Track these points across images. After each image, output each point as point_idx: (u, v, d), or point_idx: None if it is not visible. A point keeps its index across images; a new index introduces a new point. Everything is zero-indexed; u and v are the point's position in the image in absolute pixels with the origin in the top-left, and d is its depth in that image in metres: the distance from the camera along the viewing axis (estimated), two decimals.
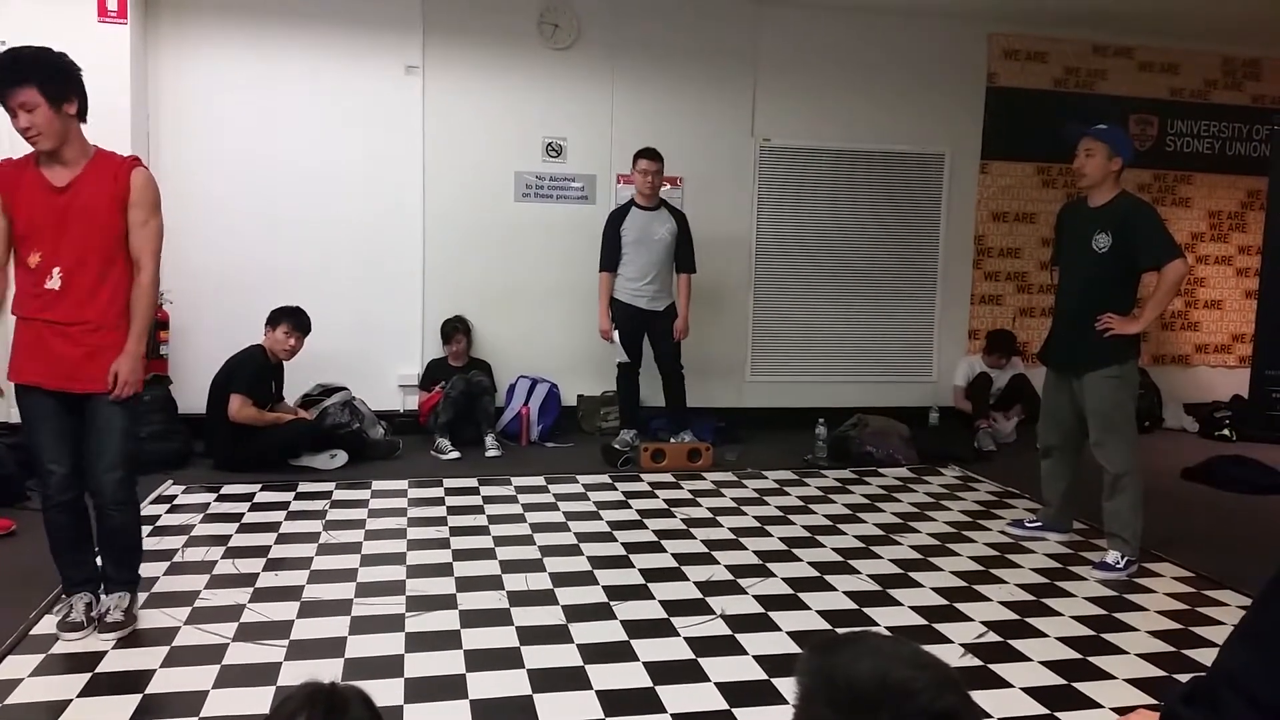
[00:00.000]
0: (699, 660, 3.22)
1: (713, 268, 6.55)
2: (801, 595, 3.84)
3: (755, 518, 4.89)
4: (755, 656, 3.27)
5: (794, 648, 3.34)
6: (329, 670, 3.02)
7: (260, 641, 3.27)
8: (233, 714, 2.80)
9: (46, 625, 3.30)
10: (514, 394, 6.54)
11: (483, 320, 6.61)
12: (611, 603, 3.70)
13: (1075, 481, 4.62)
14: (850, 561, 4.26)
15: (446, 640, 3.32)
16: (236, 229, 6.20)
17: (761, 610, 3.67)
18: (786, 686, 2.98)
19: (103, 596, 3.32)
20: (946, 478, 5.85)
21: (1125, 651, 3.41)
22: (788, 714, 1.11)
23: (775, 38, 6.91)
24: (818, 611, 3.69)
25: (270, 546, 4.23)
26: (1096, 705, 3.00)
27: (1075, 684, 3.14)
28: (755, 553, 4.34)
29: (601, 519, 4.80)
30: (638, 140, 6.64)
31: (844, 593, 3.89)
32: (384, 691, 2.89)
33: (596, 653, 3.25)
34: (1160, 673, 3.24)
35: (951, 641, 3.44)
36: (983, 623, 3.62)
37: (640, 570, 4.07)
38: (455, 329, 6.37)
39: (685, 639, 3.39)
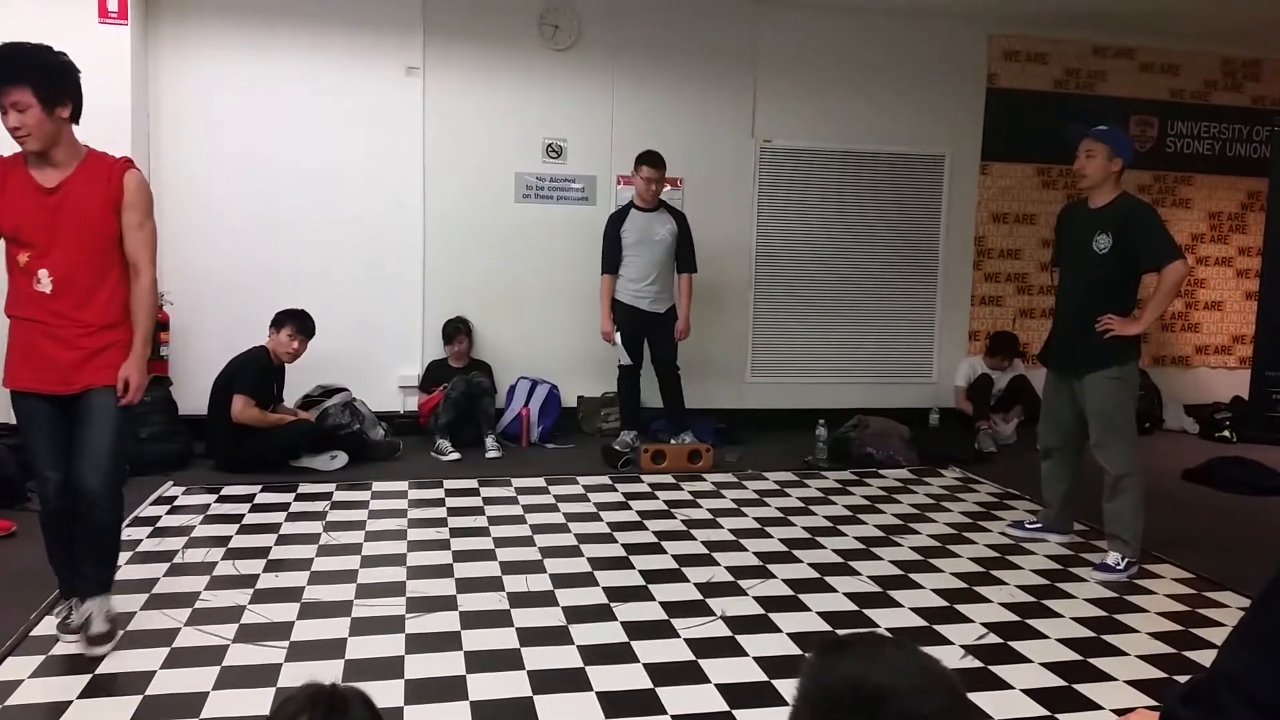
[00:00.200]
0: (699, 662, 3.22)
1: (713, 268, 6.55)
2: (802, 597, 3.84)
3: (755, 519, 4.89)
4: (755, 658, 3.27)
5: (794, 649, 3.34)
6: (329, 672, 3.02)
7: (260, 643, 3.27)
8: (233, 715, 2.80)
9: (46, 627, 3.30)
10: (514, 395, 6.54)
11: (483, 321, 6.62)
12: (612, 604, 3.70)
13: (1076, 483, 4.61)
14: (851, 563, 4.26)
15: (447, 641, 3.32)
16: (237, 230, 6.20)
17: (762, 611, 3.67)
18: (787, 688, 2.98)
19: (80, 602, 3.16)
20: (947, 479, 5.85)
21: (1126, 653, 3.41)
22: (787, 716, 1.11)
23: (776, 39, 6.92)
24: (818, 613, 3.68)
25: (270, 548, 4.23)
26: (1097, 707, 3.00)
27: (1075, 685, 3.14)
28: (755, 554, 4.34)
29: (602, 520, 4.80)
30: (638, 141, 6.65)
31: (844, 594, 3.89)
32: (384, 693, 2.89)
33: (597, 654, 3.25)
34: (1160, 674, 3.24)
35: (952, 643, 3.44)
36: (983, 624, 3.62)
37: (640, 571, 4.07)
38: (457, 329, 6.37)
39: (685, 640, 3.39)
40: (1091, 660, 3.34)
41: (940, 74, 7.19)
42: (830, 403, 6.93)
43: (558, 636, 3.39)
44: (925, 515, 5.05)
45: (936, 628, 3.57)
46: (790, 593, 3.88)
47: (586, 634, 3.41)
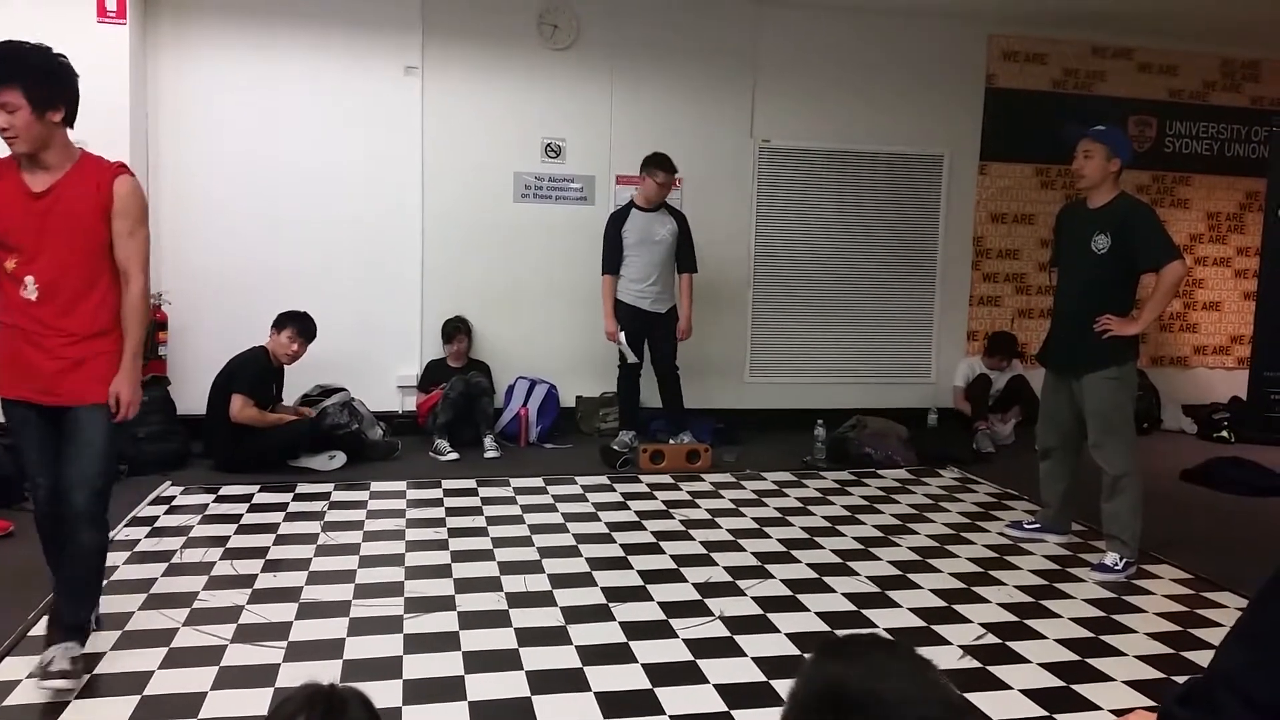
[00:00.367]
0: (698, 662, 3.22)
1: (712, 268, 6.54)
2: (800, 597, 3.84)
3: (754, 519, 4.89)
4: (754, 658, 3.27)
5: (793, 649, 3.34)
6: (327, 672, 3.02)
7: (259, 643, 3.27)
8: (231, 716, 2.80)
9: (44, 626, 3.29)
10: (513, 395, 6.54)
11: (481, 321, 6.61)
12: (610, 604, 3.70)
13: (1074, 483, 4.62)
14: (849, 563, 4.26)
15: (445, 642, 3.32)
16: (236, 229, 6.20)
17: (760, 612, 3.67)
18: (785, 688, 2.97)
19: (50, 645, 2.93)
20: (945, 479, 5.85)
21: (1124, 653, 3.41)
22: None
23: (775, 39, 6.92)
24: (816, 613, 3.68)
25: (269, 548, 4.23)
26: (1095, 707, 3.00)
27: (1074, 686, 3.14)
28: (754, 554, 4.34)
29: (600, 520, 4.80)
30: (637, 141, 6.66)
31: (843, 594, 3.89)
32: (383, 693, 2.89)
33: (595, 654, 3.25)
34: (1159, 674, 3.24)
35: (950, 643, 3.44)
36: (981, 624, 3.62)
37: (639, 571, 4.07)
38: (457, 329, 6.37)
39: (684, 640, 3.39)
40: (1090, 660, 3.34)
41: (939, 74, 7.19)
42: (828, 403, 6.94)
43: (556, 637, 3.39)
44: (923, 515, 5.06)
45: (935, 628, 3.57)
46: (789, 593, 3.88)
47: (585, 634, 3.41)
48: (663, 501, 5.16)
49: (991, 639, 3.49)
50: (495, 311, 6.67)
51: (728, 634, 3.46)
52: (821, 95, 7.03)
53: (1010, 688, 3.11)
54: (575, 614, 3.59)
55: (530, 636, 3.38)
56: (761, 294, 7.11)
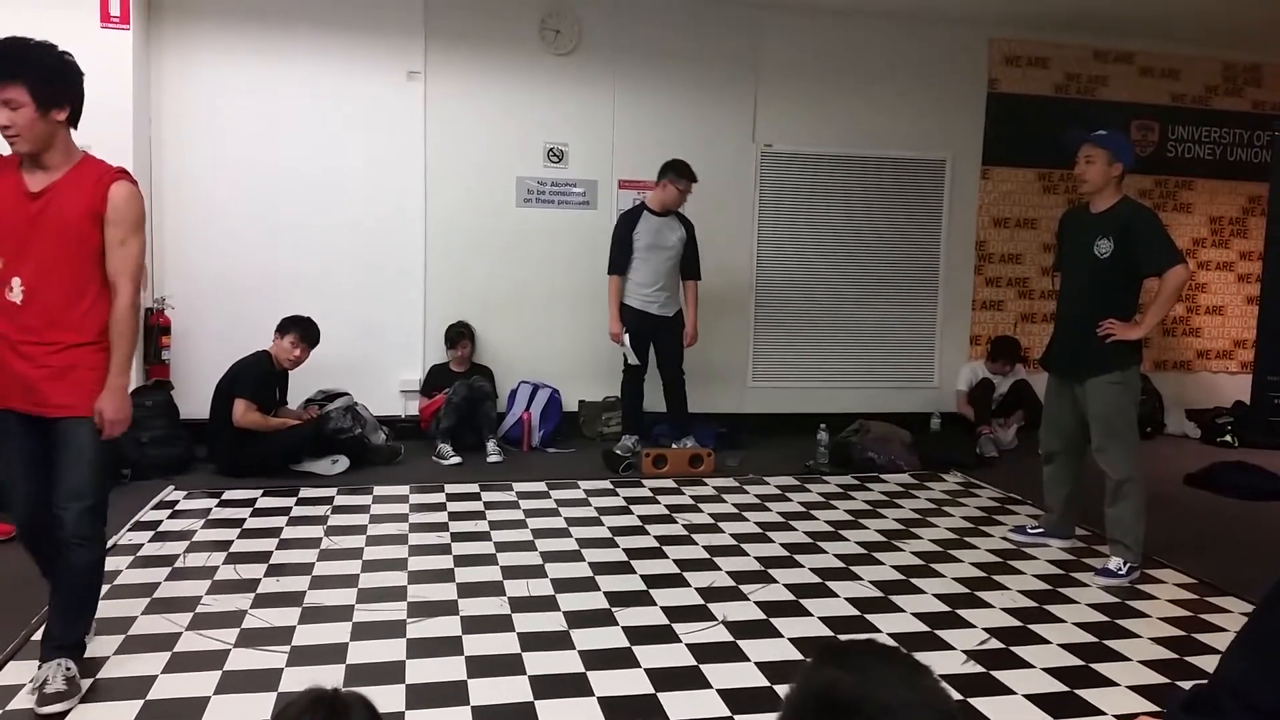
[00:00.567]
0: (700, 667, 3.22)
1: (714, 272, 6.54)
2: (803, 601, 3.84)
3: (757, 523, 4.88)
4: (757, 663, 3.26)
5: (796, 654, 3.34)
6: (330, 676, 3.01)
7: (262, 647, 3.27)
8: None
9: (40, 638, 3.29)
10: (515, 399, 6.54)
11: (484, 325, 6.62)
12: (613, 609, 3.70)
13: (1077, 488, 4.61)
14: (852, 568, 4.26)
15: (448, 646, 3.32)
16: (239, 234, 6.21)
17: (763, 616, 3.67)
18: None
19: (44, 663, 2.88)
20: (948, 484, 5.84)
21: (1128, 658, 3.41)
22: None
23: (776, 43, 6.93)
24: (820, 618, 3.68)
25: (272, 552, 4.23)
26: (1099, 712, 3.00)
27: (1078, 691, 3.13)
28: (757, 559, 4.34)
29: (603, 525, 4.80)
30: (639, 146, 6.67)
31: (846, 599, 3.88)
32: (385, 697, 2.88)
33: (598, 659, 3.25)
34: (1163, 679, 3.24)
35: (954, 648, 3.43)
36: (985, 629, 3.61)
37: (642, 576, 4.07)
38: (461, 333, 6.38)
39: (687, 645, 3.39)
40: (1094, 665, 3.33)
41: (941, 78, 7.20)
42: (831, 407, 6.94)
43: (559, 641, 3.39)
44: (927, 520, 5.05)
45: (938, 633, 3.57)
46: (792, 598, 3.88)
47: (588, 639, 3.41)
48: (665, 506, 5.16)
49: (995, 644, 3.49)
50: (498, 316, 6.67)
51: (731, 639, 3.46)
52: (824, 100, 7.04)
53: (1014, 693, 3.11)
54: (578, 619, 3.59)
55: (533, 641, 3.38)
56: (764, 298, 7.11)
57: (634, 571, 4.13)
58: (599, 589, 3.91)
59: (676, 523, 4.86)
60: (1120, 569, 4.19)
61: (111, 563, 3.92)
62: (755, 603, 3.81)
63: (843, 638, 3.34)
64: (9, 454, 2.93)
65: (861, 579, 4.12)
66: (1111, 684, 3.20)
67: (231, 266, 6.19)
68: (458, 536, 4.52)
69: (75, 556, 2.89)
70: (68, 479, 2.87)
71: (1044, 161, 7.39)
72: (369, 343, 6.43)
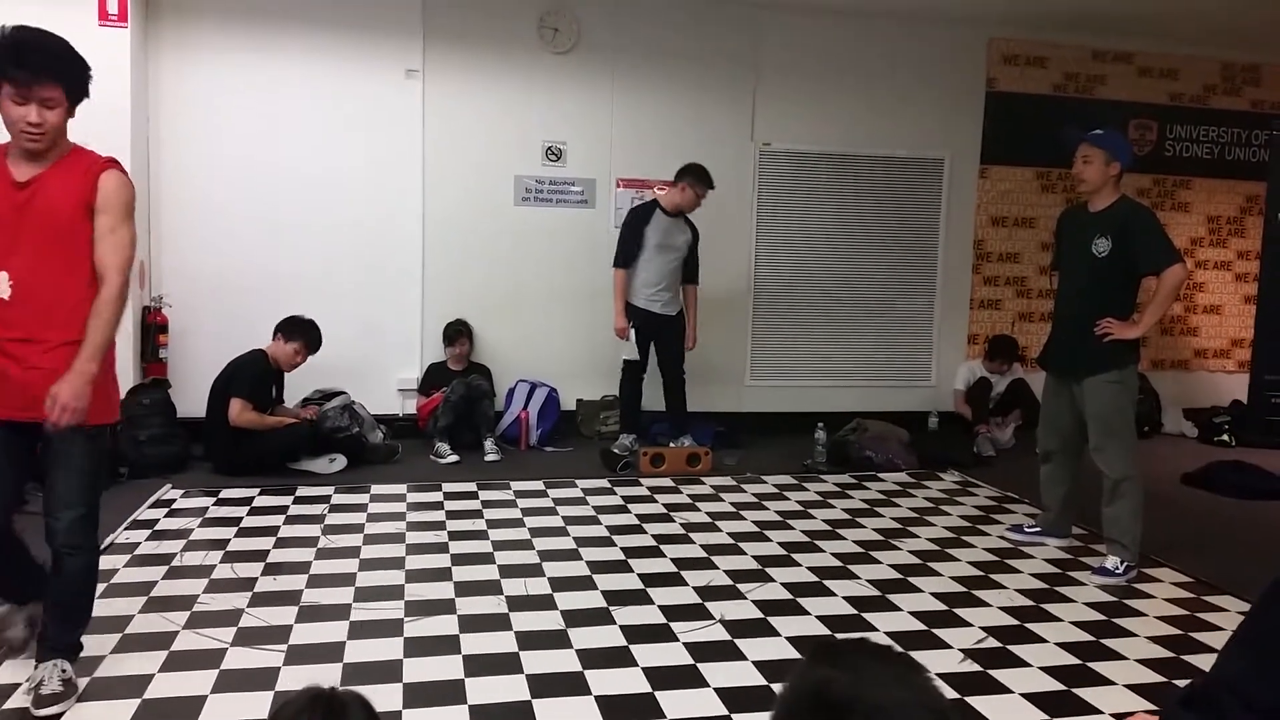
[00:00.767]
0: (698, 665, 3.22)
1: (713, 271, 6.54)
2: (801, 600, 3.84)
3: (754, 522, 4.89)
4: (754, 662, 3.26)
5: (793, 653, 3.34)
6: (328, 675, 3.02)
7: (259, 646, 3.27)
8: (232, 719, 2.79)
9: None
10: (513, 398, 6.54)
11: (482, 324, 6.61)
12: (611, 608, 3.70)
13: (1075, 487, 4.61)
14: (849, 566, 4.26)
15: (445, 645, 3.32)
16: (236, 233, 6.20)
17: (761, 615, 3.67)
18: None
19: (39, 665, 2.87)
20: (946, 483, 5.85)
21: (1125, 657, 3.41)
22: None
23: (775, 42, 6.92)
24: (817, 617, 3.68)
25: (269, 551, 4.23)
26: (1096, 711, 3.00)
27: (1075, 689, 3.14)
28: (754, 558, 4.34)
29: (600, 523, 4.80)
30: (638, 144, 6.68)
31: (843, 598, 3.88)
32: (383, 697, 2.88)
33: (596, 658, 3.25)
34: (1160, 678, 3.24)
35: (951, 647, 3.43)
36: (982, 628, 3.61)
37: (639, 575, 4.07)
38: (459, 332, 6.38)
39: (684, 644, 3.39)
40: (1091, 664, 3.33)
41: (939, 77, 7.20)
42: (829, 406, 6.94)
43: (556, 640, 3.39)
44: (924, 519, 5.05)
45: (935, 632, 3.57)
46: (789, 596, 3.88)
47: (585, 637, 3.41)
48: (663, 505, 5.16)
49: (992, 643, 3.49)
50: (496, 314, 6.67)
51: (728, 637, 3.46)
52: (822, 99, 7.04)
53: (1011, 691, 3.11)
54: (576, 617, 3.59)
55: (531, 640, 3.38)
56: (762, 297, 7.11)
57: (631, 570, 4.13)
58: (596, 588, 3.91)
59: (674, 521, 4.86)
60: (1117, 568, 4.19)
61: (108, 561, 3.94)
62: (753, 601, 3.81)
63: (839, 637, 3.36)
64: None
65: (859, 578, 4.12)
66: (1109, 682, 3.20)
67: (229, 265, 6.18)
68: (455, 535, 4.52)
69: (68, 564, 2.85)
70: (58, 487, 2.80)
71: (1042, 161, 7.39)
72: (367, 341, 6.43)
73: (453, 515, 4.84)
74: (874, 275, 7.26)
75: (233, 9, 6.12)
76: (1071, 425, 4.45)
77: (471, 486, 5.36)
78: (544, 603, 3.73)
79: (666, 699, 2.98)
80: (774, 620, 3.63)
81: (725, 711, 2.92)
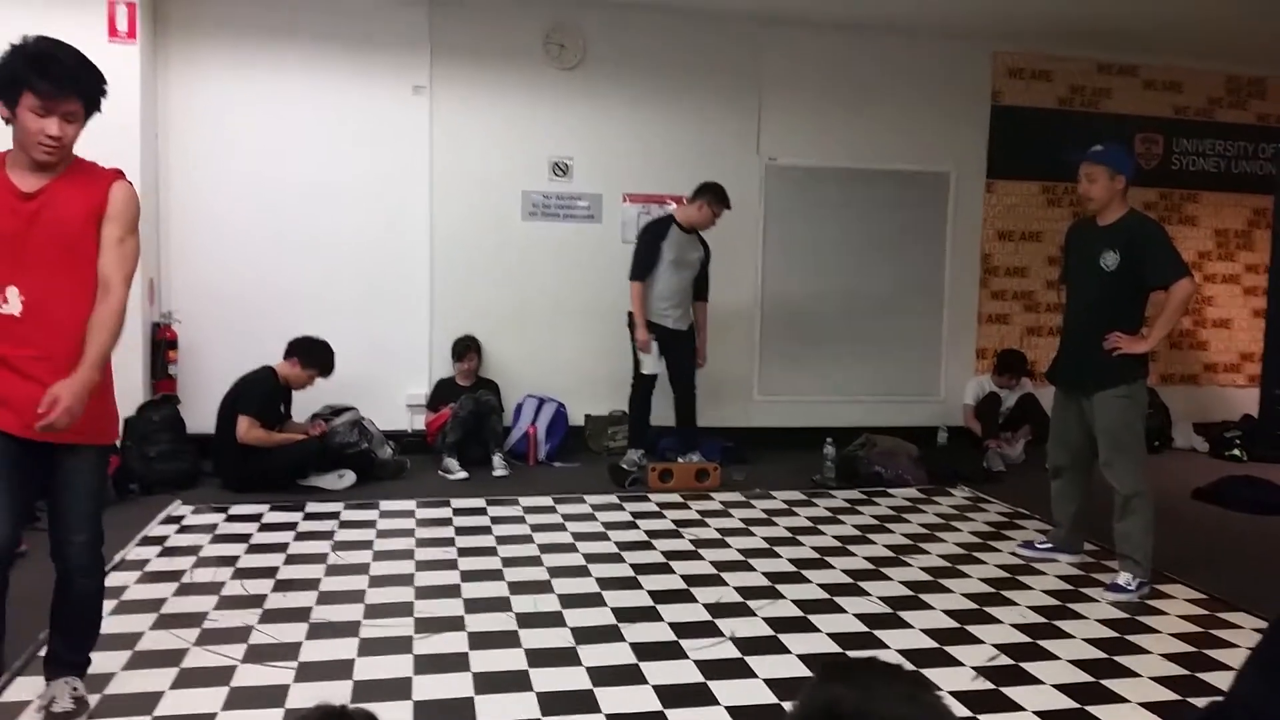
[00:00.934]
0: (708, 683, 3.20)
1: (720, 285, 6.53)
2: (811, 617, 3.82)
3: (764, 538, 4.87)
4: (765, 679, 3.25)
5: (804, 671, 3.33)
6: (337, 692, 3.01)
7: (269, 663, 3.27)
8: None
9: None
10: (521, 413, 6.54)
11: (490, 339, 6.62)
12: (620, 624, 3.69)
13: (1085, 502, 4.59)
14: (860, 583, 4.24)
15: (455, 662, 3.31)
16: (245, 248, 6.23)
17: (771, 633, 3.66)
18: None
19: (50, 682, 2.88)
20: (956, 498, 5.83)
21: (1138, 674, 3.39)
22: None
23: (780, 57, 6.95)
24: (828, 634, 3.67)
25: (279, 567, 4.22)
26: None
27: (1088, 707, 3.12)
28: (764, 574, 4.32)
29: (609, 539, 4.79)
30: (644, 159, 6.70)
31: (854, 615, 3.87)
32: (393, 714, 2.87)
33: (605, 675, 3.24)
34: (1174, 696, 3.22)
35: (963, 665, 3.42)
36: (994, 645, 3.59)
37: (649, 591, 4.06)
38: (468, 347, 6.39)
39: (694, 661, 3.38)
40: (1103, 681, 3.31)
41: (945, 91, 7.21)
42: (838, 421, 6.92)
43: (566, 657, 3.38)
44: (934, 535, 5.04)
45: (947, 649, 3.55)
46: (799, 613, 3.86)
47: (595, 655, 3.40)
48: (672, 520, 5.15)
49: (1004, 660, 3.47)
50: (503, 330, 6.68)
51: (738, 655, 3.45)
52: (828, 113, 7.05)
53: (1023, 709, 3.09)
54: (585, 634, 3.58)
55: (540, 657, 3.37)
56: (769, 311, 7.11)
57: (641, 587, 4.12)
58: (606, 604, 3.90)
59: (683, 537, 4.85)
60: (1129, 584, 4.17)
61: (119, 578, 3.96)
62: (763, 618, 3.80)
63: (849, 655, 3.34)
64: None
65: (869, 594, 4.10)
66: (1122, 700, 3.18)
67: (238, 281, 6.21)
68: (464, 551, 4.51)
69: (82, 587, 2.86)
70: (72, 510, 2.78)
71: (1048, 174, 7.39)
72: (375, 357, 6.44)
73: (461, 531, 4.83)
74: (881, 289, 7.25)
75: (241, 25, 6.16)
76: (1081, 440, 4.44)
77: (480, 502, 5.36)
78: (553, 619, 3.72)
79: (676, 717, 2.96)
80: (784, 637, 3.61)
81: None
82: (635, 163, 6.75)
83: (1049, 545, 4.71)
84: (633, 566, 4.38)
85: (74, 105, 2.63)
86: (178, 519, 4.92)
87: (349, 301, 6.39)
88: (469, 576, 4.17)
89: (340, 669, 3.24)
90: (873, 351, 7.29)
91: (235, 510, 5.06)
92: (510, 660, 3.34)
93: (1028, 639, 3.67)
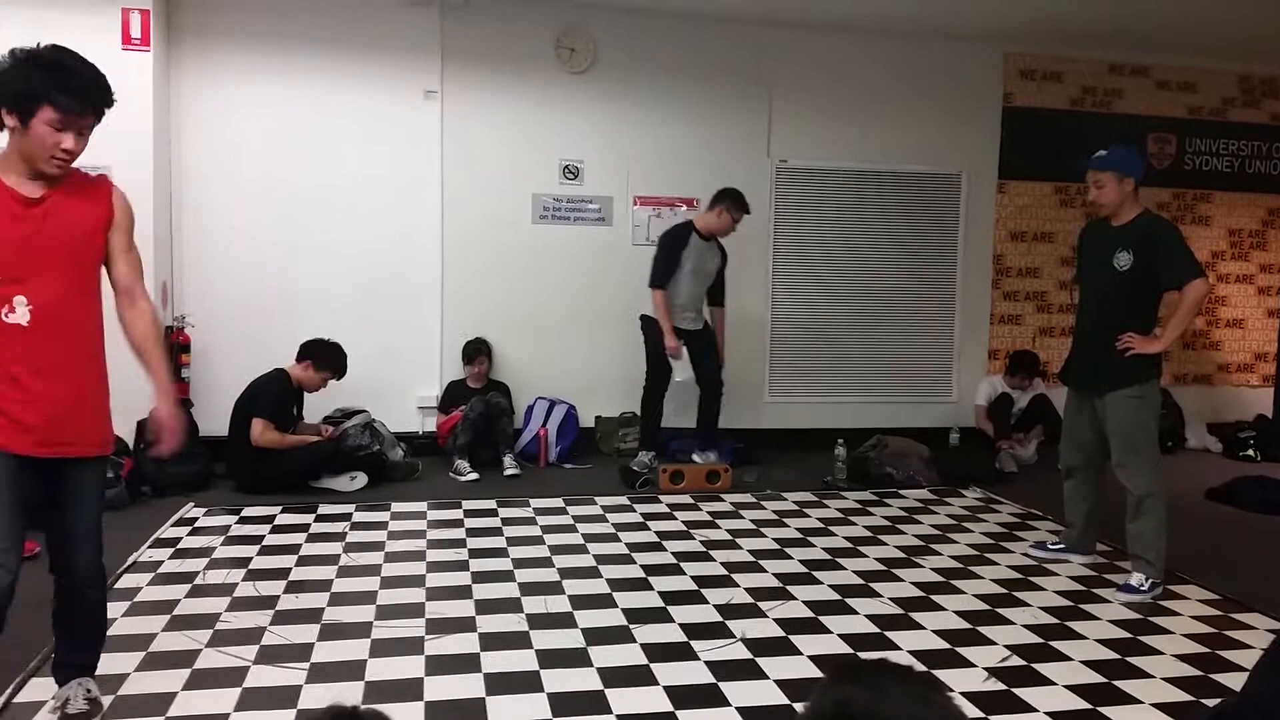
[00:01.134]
0: (719, 685, 3.20)
1: (732, 286, 6.52)
2: (822, 619, 3.82)
3: (775, 540, 4.87)
4: (776, 681, 3.24)
5: (815, 672, 3.32)
6: (349, 693, 3.02)
7: (281, 664, 3.28)
8: None
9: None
10: (532, 415, 6.56)
11: (500, 342, 6.64)
12: (631, 626, 3.69)
13: (1098, 503, 4.57)
14: (871, 584, 4.23)
15: (466, 663, 3.32)
16: (258, 253, 6.26)
17: (782, 634, 3.65)
18: None
19: (57, 687, 2.90)
20: (968, 499, 5.81)
21: (1151, 675, 3.37)
22: None
23: (791, 59, 6.94)
24: (839, 635, 3.66)
25: (291, 569, 4.24)
26: None
27: (1100, 708, 3.10)
28: (775, 575, 4.32)
29: (620, 541, 4.79)
30: (655, 162, 6.71)
31: (865, 616, 3.86)
32: (405, 715, 2.89)
33: (616, 676, 3.24)
34: (1188, 697, 3.20)
35: (975, 665, 3.40)
36: (1006, 646, 3.58)
37: (660, 593, 4.06)
38: (478, 350, 6.40)
39: (705, 663, 3.37)
40: (1116, 682, 3.30)
41: (956, 93, 7.20)
42: (849, 422, 6.90)
43: (577, 658, 3.38)
44: (946, 536, 5.02)
45: (959, 650, 3.54)
46: (811, 615, 3.86)
47: (606, 656, 3.40)
48: (683, 522, 5.15)
49: (1016, 661, 3.46)
50: (514, 332, 6.69)
51: (749, 656, 3.44)
52: (838, 115, 7.05)
53: (1036, 710, 3.08)
54: (596, 635, 3.58)
55: (551, 658, 3.37)
56: (780, 313, 7.10)
57: (652, 588, 4.12)
58: (617, 606, 3.90)
59: (694, 539, 4.85)
60: (1142, 585, 4.15)
61: (131, 579, 3.99)
62: (774, 620, 3.79)
63: (860, 656, 3.34)
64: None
65: (881, 596, 4.09)
66: (1135, 701, 3.16)
67: (250, 284, 6.24)
68: (475, 553, 4.52)
69: (90, 597, 2.88)
70: (80, 522, 2.77)
71: (1060, 175, 7.36)
72: (386, 360, 6.46)
73: (473, 533, 4.84)
74: (893, 291, 7.24)
75: (253, 32, 6.19)
76: (1094, 441, 4.42)
77: (491, 504, 5.37)
78: (564, 620, 3.72)
79: (688, 718, 2.96)
80: (795, 639, 3.61)
81: None
82: (646, 166, 6.76)
83: (1061, 546, 4.69)
84: (644, 568, 4.38)
85: (90, 120, 2.63)
86: (190, 521, 4.94)
87: (360, 304, 6.41)
88: (480, 578, 4.18)
89: (352, 670, 3.25)
90: (884, 352, 7.28)
91: (247, 512, 5.08)
92: (521, 661, 3.35)
93: (1040, 640, 3.66)
